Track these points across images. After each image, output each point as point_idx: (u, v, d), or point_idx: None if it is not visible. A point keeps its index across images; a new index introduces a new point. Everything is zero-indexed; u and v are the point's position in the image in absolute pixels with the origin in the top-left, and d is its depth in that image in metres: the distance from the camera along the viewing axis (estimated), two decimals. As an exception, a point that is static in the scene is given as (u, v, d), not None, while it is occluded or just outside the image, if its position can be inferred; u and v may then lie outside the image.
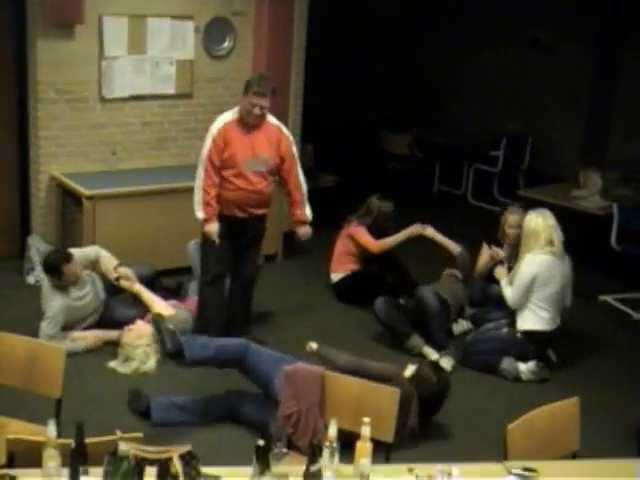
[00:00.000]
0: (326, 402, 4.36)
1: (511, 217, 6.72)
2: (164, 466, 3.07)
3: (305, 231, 6.33)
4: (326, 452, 3.28)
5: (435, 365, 5.57)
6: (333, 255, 7.52)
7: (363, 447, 3.28)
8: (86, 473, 3.07)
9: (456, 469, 3.44)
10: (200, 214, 6.00)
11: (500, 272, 6.48)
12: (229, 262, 6.27)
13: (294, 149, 6.20)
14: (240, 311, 6.46)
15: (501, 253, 6.69)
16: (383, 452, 3.87)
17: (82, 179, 7.32)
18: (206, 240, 6.15)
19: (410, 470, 3.41)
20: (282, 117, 8.36)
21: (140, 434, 3.35)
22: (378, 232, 7.32)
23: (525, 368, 6.23)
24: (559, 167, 10.14)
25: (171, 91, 7.88)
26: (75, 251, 6.42)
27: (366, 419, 3.29)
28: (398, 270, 7.43)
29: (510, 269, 6.42)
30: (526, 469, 3.46)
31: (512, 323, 6.34)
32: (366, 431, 3.29)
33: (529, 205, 7.04)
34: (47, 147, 7.42)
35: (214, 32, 7.98)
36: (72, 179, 7.33)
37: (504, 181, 10.78)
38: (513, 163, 10.72)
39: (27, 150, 7.55)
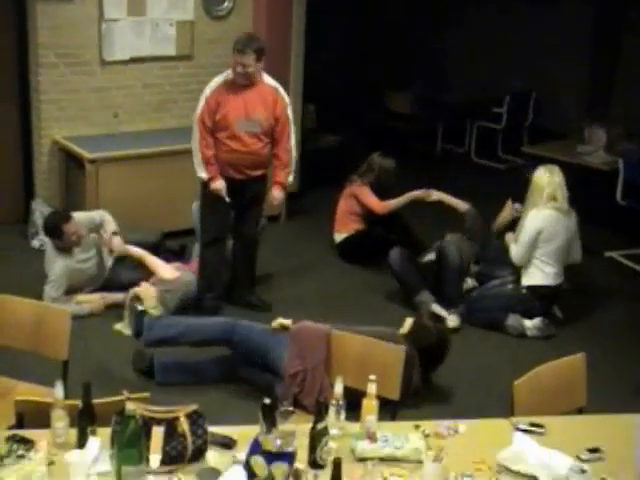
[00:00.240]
0: (331, 360, 4.37)
1: None
2: (171, 425, 3.08)
3: (279, 195, 6.19)
4: (332, 410, 3.29)
5: (432, 314, 5.52)
6: (336, 215, 7.51)
7: (369, 404, 3.29)
8: (94, 433, 3.09)
9: (463, 425, 3.46)
10: (204, 174, 5.98)
11: (510, 238, 6.45)
12: (229, 224, 6.27)
13: (289, 111, 6.09)
14: (243, 272, 6.46)
15: (519, 208, 6.66)
16: (388, 413, 3.87)
17: (84, 142, 7.30)
18: (205, 202, 6.16)
19: (417, 427, 3.42)
20: (283, 77, 8.34)
21: (147, 394, 3.36)
22: (381, 190, 7.30)
23: (531, 324, 6.24)
24: (563, 123, 10.08)
25: (171, 53, 7.84)
26: (79, 214, 6.44)
27: (372, 376, 3.29)
28: (402, 229, 7.41)
29: None
30: (533, 424, 3.46)
31: (517, 280, 6.34)
32: (372, 388, 3.29)
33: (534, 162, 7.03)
34: (49, 111, 7.40)
35: (214, -8, 7.92)
36: (74, 143, 7.32)
37: (508, 138, 10.74)
38: (516, 120, 10.67)
39: (29, 115, 7.53)
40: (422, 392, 5.12)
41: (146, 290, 6.14)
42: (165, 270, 6.33)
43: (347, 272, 7.25)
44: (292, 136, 6.14)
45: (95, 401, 3.16)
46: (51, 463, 3.02)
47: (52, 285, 6.11)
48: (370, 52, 12.31)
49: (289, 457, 2.97)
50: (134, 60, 7.66)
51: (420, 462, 3.19)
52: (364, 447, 3.21)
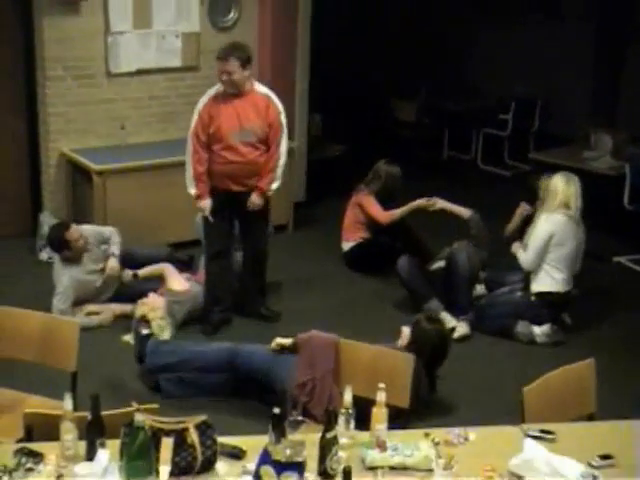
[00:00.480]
0: (340, 369, 4.36)
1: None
2: (180, 436, 3.08)
3: (256, 200, 6.01)
4: (342, 419, 3.29)
5: (429, 316, 5.44)
6: (343, 224, 7.51)
7: (379, 413, 3.28)
8: (103, 445, 3.08)
9: (473, 433, 3.45)
10: (193, 190, 5.98)
11: (517, 247, 6.44)
12: (232, 236, 6.25)
13: (282, 118, 6.01)
14: (253, 284, 6.44)
15: (527, 206, 6.67)
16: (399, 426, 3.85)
17: (91, 154, 7.32)
18: (210, 216, 6.14)
19: (427, 435, 3.41)
20: (289, 87, 8.39)
21: (156, 405, 3.37)
22: (387, 197, 7.30)
23: (540, 331, 6.23)
24: (569, 129, 10.06)
25: (177, 64, 7.85)
26: (88, 227, 6.48)
27: (381, 384, 3.29)
28: (409, 237, 7.40)
29: None
30: (543, 431, 3.45)
31: (526, 287, 6.33)
32: (381, 397, 3.28)
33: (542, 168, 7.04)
34: (56, 124, 7.42)
35: (219, 3, 7.94)
36: (81, 155, 7.34)
37: (514, 145, 10.73)
38: (523, 126, 10.65)
39: (36, 127, 7.55)
40: (431, 404, 5.11)
41: (154, 301, 6.15)
42: (176, 281, 6.34)
43: (355, 281, 7.24)
44: (283, 143, 6.03)
45: (104, 413, 3.15)
46: (60, 476, 3.03)
47: (60, 297, 6.12)
48: (375, 61, 12.34)
49: (299, 467, 2.96)
50: (140, 72, 7.68)
51: (431, 470, 3.19)
52: (374, 456, 3.21)
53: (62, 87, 7.35)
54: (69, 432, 3.10)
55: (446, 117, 11.20)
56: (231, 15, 8.04)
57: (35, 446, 3.17)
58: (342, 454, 3.15)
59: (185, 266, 6.88)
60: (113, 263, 6.37)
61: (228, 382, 5.22)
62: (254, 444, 3.20)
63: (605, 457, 3.28)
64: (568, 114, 10.57)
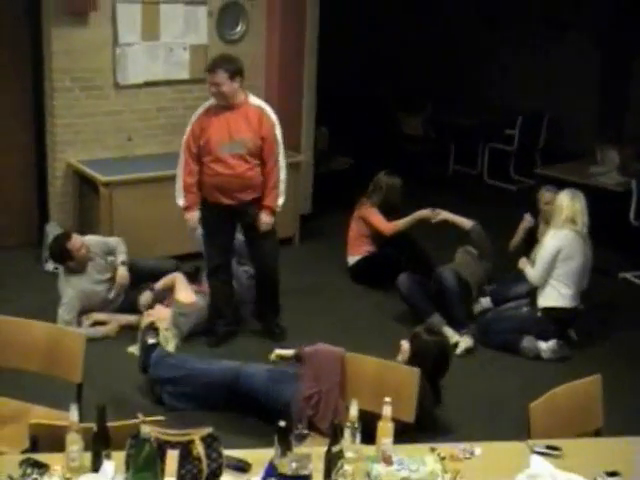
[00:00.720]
0: (346, 383, 4.36)
1: (546, 194, 6.71)
2: (186, 449, 3.08)
3: (266, 220, 5.94)
4: (347, 432, 3.27)
5: (428, 329, 5.38)
6: (348, 238, 7.51)
7: (385, 427, 3.28)
8: (108, 457, 3.08)
9: (479, 448, 3.44)
10: (181, 201, 5.97)
11: (524, 262, 6.44)
12: (231, 250, 6.21)
13: (277, 131, 5.88)
14: (266, 303, 6.40)
15: (530, 218, 6.76)
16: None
17: (98, 166, 7.34)
18: (204, 229, 6.10)
19: (432, 450, 3.40)
20: (297, 100, 8.41)
21: (161, 417, 3.36)
22: (388, 208, 7.31)
23: (546, 347, 6.21)
24: (576, 144, 10.07)
25: (185, 76, 7.87)
26: (93, 237, 6.50)
27: (387, 398, 3.28)
28: (413, 250, 7.40)
29: None
30: (549, 447, 3.44)
31: (533, 302, 6.32)
32: (387, 410, 3.28)
33: (549, 183, 7.06)
34: (63, 135, 7.44)
35: (227, 16, 7.97)
36: (88, 166, 7.35)
37: (520, 160, 10.73)
38: (529, 141, 10.66)
39: (43, 138, 7.58)
40: (437, 418, 5.09)
41: (159, 312, 6.16)
42: (184, 292, 6.34)
43: (360, 295, 7.23)
44: (281, 157, 5.93)
45: (110, 424, 3.15)
46: (66, 487, 3.02)
47: (65, 308, 6.12)
48: (382, 75, 12.37)
49: (304, 480, 2.96)
50: (148, 84, 7.70)
51: (436, 485, 3.17)
52: (380, 470, 3.20)
53: (70, 98, 7.38)
54: (75, 443, 3.09)
55: (452, 131, 11.21)
56: (239, 28, 8.06)
57: (40, 457, 3.17)
58: (348, 468, 3.14)
59: (191, 278, 6.87)
60: (123, 272, 6.38)
61: (229, 400, 5.19)
62: (260, 457, 3.19)
63: (612, 474, 3.26)
64: (574, 129, 10.59)
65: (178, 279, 6.43)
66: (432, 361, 5.00)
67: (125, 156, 7.69)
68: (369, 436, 3.34)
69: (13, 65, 7.40)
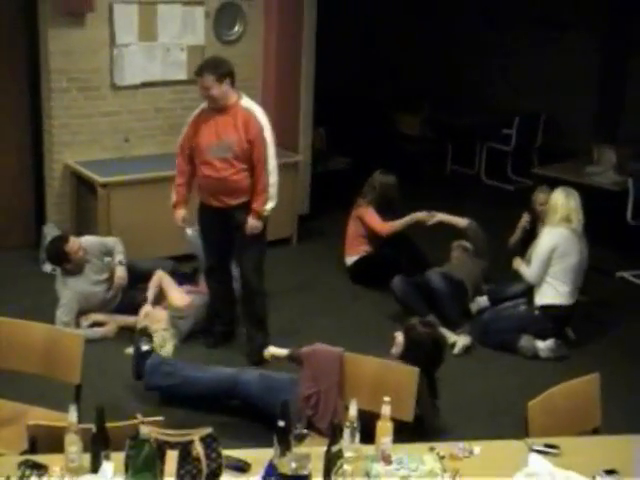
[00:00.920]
0: (345, 382, 4.36)
1: (540, 195, 6.76)
2: (186, 449, 3.08)
3: (252, 223, 5.73)
4: (347, 432, 3.27)
5: (423, 322, 5.25)
6: (346, 238, 7.52)
7: (384, 426, 3.28)
8: (107, 458, 3.08)
9: (477, 447, 3.45)
10: (172, 198, 5.97)
11: (518, 262, 6.46)
12: (224, 252, 6.06)
13: (266, 134, 5.64)
14: (248, 321, 6.10)
15: (527, 217, 6.82)
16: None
17: (96, 167, 7.34)
18: (200, 230, 6.09)
19: (431, 449, 3.41)
20: (294, 101, 8.41)
21: (161, 417, 3.36)
22: (385, 207, 7.32)
23: (544, 346, 6.22)
24: (572, 144, 10.08)
25: (183, 77, 7.87)
26: (91, 238, 6.49)
27: (387, 398, 3.28)
28: (411, 251, 7.41)
29: None
30: (548, 445, 3.45)
31: (530, 301, 6.34)
32: (386, 410, 3.28)
33: (546, 183, 7.07)
34: (60, 136, 7.44)
35: (224, 17, 7.97)
36: (86, 167, 7.35)
37: (517, 159, 10.74)
38: (526, 141, 10.67)
39: (41, 139, 7.57)
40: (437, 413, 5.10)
41: (156, 313, 6.16)
42: (176, 296, 6.34)
43: (358, 294, 7.24)
44: (270, 161, 5.67)
45: (109, 425, 3.15)
46: (65, 488, 3.02)
47: (63, 310, 6.12)
48: (380, 75, 12.37)
49: (304, 480, 2.96)
50: (145, 85, 7.70)
51: (435, 484, 3.18)
52: (379, 470, 3.21)
53: (67, 99, 7.37)
54: (73, 444, 3.09)
55: (450, 131, 11.22)
56: (236, 29, 8.07)
57: (39, 458, 3.17)
58: (347, 467, 3.14)
59: (188, 279, 6.88)
60: (121, 272, 6.38)
61: (226, 406, 5.16)
62: (259, 457, 3.20)
63: (610, 472, 3.27)
64: (571, 129, 10.60)
65: (164, 281, 6.41)
66: (427, 353, 4.95)
67: (122, 157, 7.69)
68: (368, 435, 3.34)
69: (10, 66, 7.39)
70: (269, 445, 3.16)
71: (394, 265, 7.10)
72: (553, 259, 6.18)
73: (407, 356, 4.80)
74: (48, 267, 7.13)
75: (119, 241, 6.53)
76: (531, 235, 6.74)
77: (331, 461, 3.08)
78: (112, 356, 5.90)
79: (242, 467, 3.21)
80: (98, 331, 6.19)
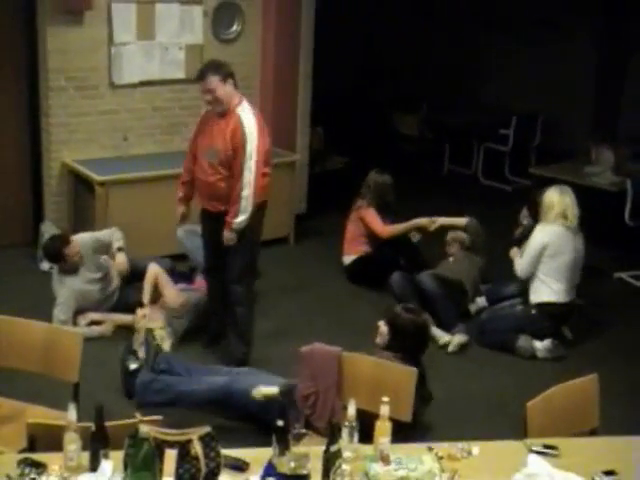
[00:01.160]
0: (343, 382, 4.36)
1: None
2: (184, 448, 3.08)
3: (226, 235, 5.58)
4: (345, 432, 3.27)
5: (406, 308, 5.12)
6: (345, 237, 7.52)
7: (383, 426, 3.28)
8: (106, 456, 3.08)
9: (476, 447, 3.45)
10: (178, 194, 5.95)
11: (515, 252, 6.48)
12: (216, 255, 5.89)
13: (249, 145, 5.42)
14: (230, 330, 5.94)
15: (524, 213, 6.81)
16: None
17: (94, 165, 7.33)
18: (201, 230, 6.06)
19: (430, 449, 3.41)
20: (292, 100, 8.41)
21: (159, 416, 3.36)
22: (383, 207, 7.34)
23: (541, 346, 6.23)
24: (570, 144, 10.09)
25: (181, 76, 7.87)
26: (86, 235, 6.48)
27: (385, 398, 3.28)
28: (409, 251, 7.42)
29: None
30: (546, 446, 3.45)
31: (526, 300, 6.34)
32: (385, 410, 3.28)
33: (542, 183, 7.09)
34: (58, 134, 7.43)
35: (222, 16, 7.98)
36: (84, 165, 7.35)
37: (515, 159, 10.74)
38: (524, 141, 10.68)
39: (39, 138, 7.56)
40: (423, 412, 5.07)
41: (153, 312, 6.16)
42: (171, 295, 6.33)
43: (355, 294, 7.24)
44: (248, 173, 5.43)
45: (108, 423, 3.15)
46: (64, 486, 3.02)
47: (60, 308, 6.12)
48: (378, 75, 12.37)
49: (303, 480, 2.96)
50: (143, 83, 7.70)
51: (434, 484, 3.18)
52: (377, 470, 3.20)
53: (65, 98, 7.37)
54: (72, 442, 3.09)
55: (447, 131, 11.22)
56: (234, 28, 8.07)
57: (38, 456, 3.17)
58: (346, 467, 3.14)
59: (186, 278, 6.87)
60: (121, 258, 6.39)
61: (221, 413, 5.09)
62: (258, 457, 3.20)
63: (609, 473, 3.27)
64: (569, 129, 10.61)
65: (160, 279, 6.40)
66: (413, 340, 4.95)
67: (120, 156, 7.69)
68: (366, 435, 3.34)
69: (8, 64, 7.39)
70: (268, 445, 3.16)
71: (392, 265, 7.10)
72: (544, 256, 6.19)
73: (393, 345, 4.81)
74: (45, 265, 7.12)
75: (116, 229, 6.53)
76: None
77: (330, 461, 3.08)
78: (109, 354, 5.89)
79: (241, 466, 3.21)
80: (95, 329, 6.19)
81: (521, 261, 6.30)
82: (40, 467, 3.09)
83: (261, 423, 4.73)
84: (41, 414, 4.09)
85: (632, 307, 7.24)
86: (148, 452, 2.88)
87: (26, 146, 7.62)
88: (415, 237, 7.41)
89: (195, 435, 3.11)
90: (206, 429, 3.14)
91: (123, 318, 6.31)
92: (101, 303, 6.39)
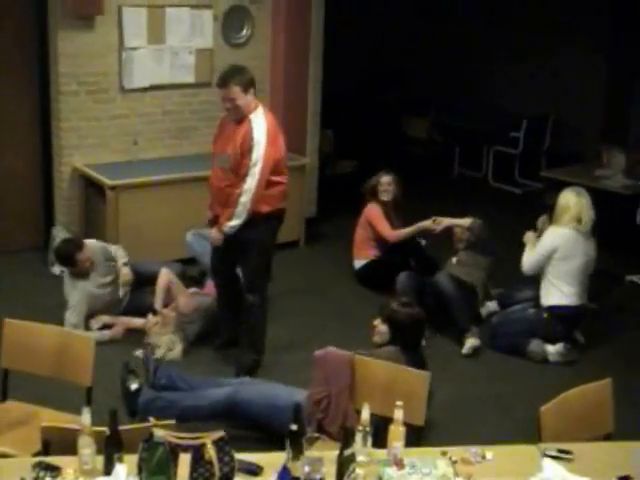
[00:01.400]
0: (356, 386, 4.35)
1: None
2: (198, 452, 3.08)
3: (214, 235, 5.59)
4: (359, 436, 3.27)
5: (402, 302, 5.17)
6: (354, 242, 7.52)
7: (396, 430, 3.27)
8: (121, 460, 3.08)
9: (490, 452, 3.44)
10: None
11: (529, 237, 6.45)
12: (224, 261, 5.89)
13: (257, 151, 5.36)
14: (244, 334, 5.91)
15: (543, 219, 6.66)
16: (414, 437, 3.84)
17: (104, 169, 7.35)
18: None
19: (444, 453, 3.40)
20: (302, 104, 8.41)
21: (173, 421, 3.36)
22: (392, 208, 7.34)
23: (553, 350, 6.21)
24: (581, 147, 10.08)
25: (191, 80, 7.89)
26: (95, 242, 6.49)
27: (399, 402, 3.28)
28: (420, 255, 7.42)
29: None
30: (560, 451, 3.44)
31: (539, 304, 6.32)
32: (399, 414, 3.27)
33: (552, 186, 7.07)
34: (69, 138, 7.45)
35: (232, 20, 7.99)
36: (94, 170, 7.36)
37: (525, 162, 10.73)
38: (534, 144, 10.66)
39: (50, 142, 7.58)
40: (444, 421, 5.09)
41: (164, 316, 6.16)
42: (184, 300, 6.34)
43: (366, 298, 7.21)
44: (250, 179, 5.37)
45: (122, 427, 3.15)
46: (78, 490, 3.02)
47: (72, 311, 6.13)
48: (387, 77, 12.36)
49: (317, 484, 2.96)
50: (154, 88, 7.71)
51: (448, 489, 3.17)
52: (391, 474, 3.19)
53: (76, 102, 7.39)
54: (87, 446, 3.09)
55: (457, 134, 11.22)
56: (244, 32, 8.08)
57: (53, 460, 3.17)
58: (360, 472, 3.14)
59: (196, 282, 6.88)
60: (126, 270, 6.46)
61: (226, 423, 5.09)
62: (271, 461, 3.20)
63: (624, 478, 3.26)
64: (580, 132, 10.58)
65: (172, 284, 6.42)
66: (412, 332, 5.00)
67: (131, 160, 7.71)
68: (379, 439, 3.34)
69: (19, 69, 7.41)
70: (281, 449, 3.16)
71: (402, 269, 7.08)
72: (554, 259, 6.16)
73: (395, 342, 4.86)
74: (57, 269, 7.14)
75: (120, 247, 6.63)
76: None
77: (343, 465, 3.08)
78: (120, 359, 5.88)
79: (254, 470, 3.21)
80: (106, 334, 6.20)
81: (529, 257, 6.28)
82: (55, 470, 3.10)
83: (267, 431, 4.73)
84: (53, 417, 4.10)
85: (644, 310, 7.23)
86: (162, 456, 2.88)
87: (37, 150, 7.64)
88: (422, 242, 7.42)
89: (209, 439, 3.11)
90: (220, 433, 3.14)
91: (134, 322, 6.33)
92: (111, 307, 6.40)
